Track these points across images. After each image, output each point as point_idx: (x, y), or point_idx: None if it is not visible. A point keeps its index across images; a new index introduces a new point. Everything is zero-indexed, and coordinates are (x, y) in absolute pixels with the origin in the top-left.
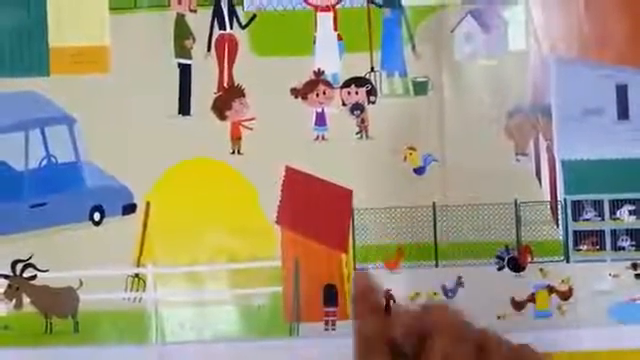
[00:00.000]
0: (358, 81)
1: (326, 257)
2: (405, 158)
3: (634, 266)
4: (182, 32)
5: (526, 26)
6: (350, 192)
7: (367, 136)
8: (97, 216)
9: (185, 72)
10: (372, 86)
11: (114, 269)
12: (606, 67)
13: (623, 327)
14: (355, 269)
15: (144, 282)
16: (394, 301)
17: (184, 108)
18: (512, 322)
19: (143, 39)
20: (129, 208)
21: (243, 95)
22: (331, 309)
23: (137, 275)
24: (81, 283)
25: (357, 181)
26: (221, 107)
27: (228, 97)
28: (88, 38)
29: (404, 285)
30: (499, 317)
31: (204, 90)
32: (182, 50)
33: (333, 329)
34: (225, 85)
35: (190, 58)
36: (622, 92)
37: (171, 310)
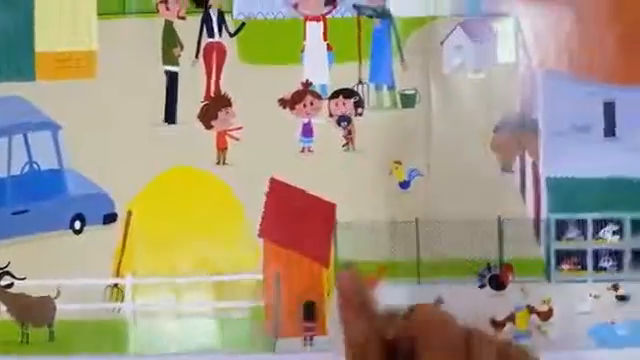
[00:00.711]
0: (346, 92)
1: (307, 272)
2: (391, 172)
3: (615, 287)
4: (170, 39)
5: (515, 39)
6: (334, 206)
7: (353, 148)
8: (78, 224)
9: (172, 80)
10: (360, 98)
11: (93, 278)
12: (594, 84)
13: (603, 349)
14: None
15: (123, 292)
16: None
17: (170, 116)
18: None
19: (131, 45)
20: (110, 217)
21: (230, 104)
22: (310, 324)
23: (116, 285)
24: (59, 292)
25: (341, 194)
26: (207, 116)
27: (215, 106)
28: (75, 43)
29: (385, 301)
30: None
31: (191, 98)
32: (170, 57)
33: (311, 344)
34: (212, 94)
35: (177, 65)
36: (610, 109)
37: (150, 321)
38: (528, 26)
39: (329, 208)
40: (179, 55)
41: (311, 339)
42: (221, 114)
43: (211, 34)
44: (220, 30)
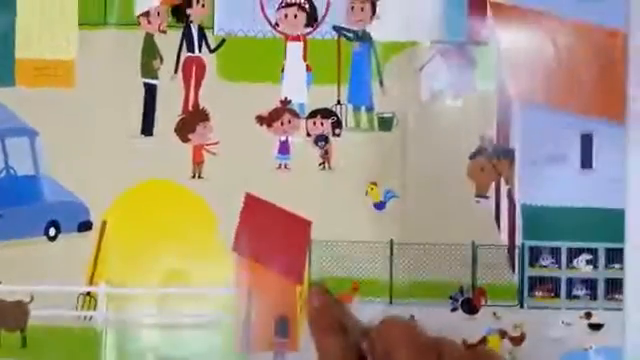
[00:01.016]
0: (324, 112)
1: (280, 288)
2: (366, 192)
3: (587, 315)
4: (150, 52)
5: (495, 68)
6: (309, 223)
7: (330, 167)
8: (52, 231)
9: (150, 92)
10: (338, 118)
11: (66, 286)
12: (572, 115)
13: None
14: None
15: (95, 301)
16: None
17: (147, 128)
18: None
19: (110, 56)
20: (85, 225)
21: (208, 119)
22: (282, 340)
23: (89, 293)
24: (32, 298)
25: (317, 212)
26: (185, 130)
27: (192, 120)
28: (55, 51)
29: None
30: None
31: (168, 112)
32: (149, 70)
33: (282, 359)
34: (190, 108)
35: (156, 78)
36: (587, 141)
37: (121, 331)
38: (507, 55)
39: (304, 225)
40: (158, 68)
41: (282, 355)
42: (199, 128)
43: (191, 49)
44: (200, 45)
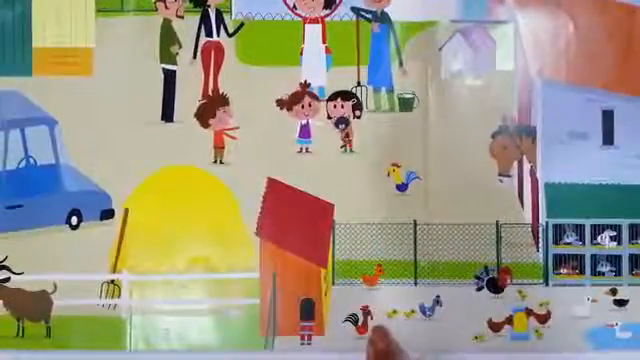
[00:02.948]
0: (344, 95)
1: (305, 271)
2: (388, 174)
3: (613, 292)
4: (168, 38)
5: (514, 46)
6: (332, 206)
7: (351, 150)
8: (74, 220)
9: (169, 78)
10: (358, 100)
11: (89, 274)
12: (593, 91)
13: (600, 353)
14: (334, 283)
15: (119, 289)
16: (372, 317)
17: (167, 115)
18: (489, 343)
19: (128, 43)
20: (107, 214)
21: (227, 104)
22: (308, 323)
23: (112, 281)
24: (55, 287)
25: (339, 195)
26: (205, 115)
27: (212, 105)
28: (72, 39)
29: (382, 302)
30: (476, 338)
31: (188, 97)
32: (167, 56)
33: (309, 344)
34: (210, 93)
35: (175, 64)
36: (608, 117)
37: (146, 318)
38: (527, 33)
39: (327, 208)
40: (177, 53)
41: (309, 338)
42: (219, 113)
43: (209, 33)
44: (218, 30)
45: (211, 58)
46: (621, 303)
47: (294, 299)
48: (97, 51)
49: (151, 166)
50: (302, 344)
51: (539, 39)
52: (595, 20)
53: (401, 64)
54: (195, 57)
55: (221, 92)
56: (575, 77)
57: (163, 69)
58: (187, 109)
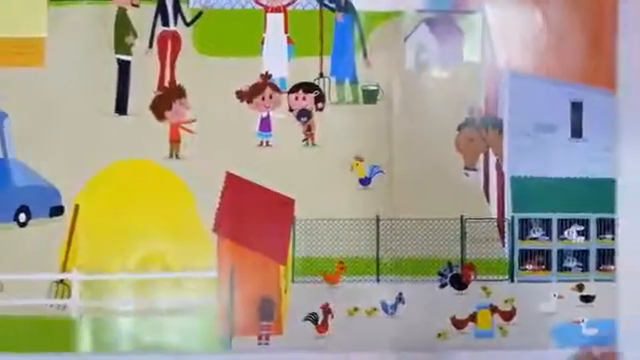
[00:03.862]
0: (306, 87)
1: (264, 268)
2: (351, 168)
3: (579, 287)
4: (123, 27)
5: (482, 37)
6: (292, 201)
7: (313, 144)
8: (22, 217)
9: (124, 69)
10: (321, 92)
11: (38, 274)
12: (562, 83)
13: (566, 349)
14: (294, 281)
15: (69, 288)
16: (332, 316)
17: (121, 107)
18: (452, 341)
19: (82, 33)
20: (57, 210)
21: (184, 96)
22: (266, 323)
23: (62, 281)
24: (2, 287)
25: (300, 190)
26: (160, 107)
27: (168, 97)
28: (24, 29)
29: (343, 300)
30: (439, 335)
31: (143, 89)
32: (122, 46)
33: (267, 344)
34: (166, 84)
35: (130, 54)
36: (577, 109)
37: (97, 319)
38: (495, 24)
39: (288, 204)
40: (132, 44)
41: (267, 338)
42: (175, 105)
43: (166, 23)
44: (175, 19)
45: (167, 48)
46: (588, 299)
47: (252, 298)
48: (49, 41)
49: (104, 160)
50: (260, 344)
51: (507, 30)
52: (564, 11)
53: (365, 55)
54: (151, 47)
55: (178, 83)
56: (543, 69)
57: (118, 59)
58: (142, 101)
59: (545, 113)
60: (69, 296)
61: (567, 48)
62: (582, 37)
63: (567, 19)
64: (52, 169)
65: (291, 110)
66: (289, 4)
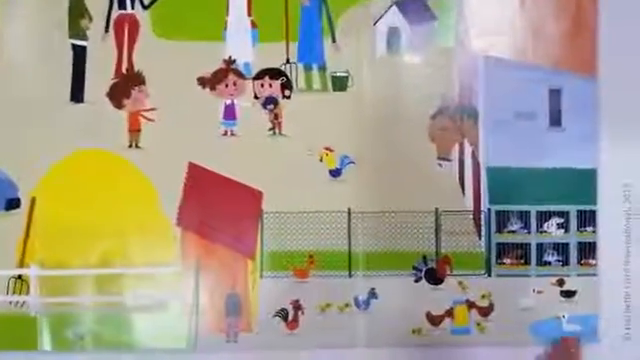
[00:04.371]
0: (272, 73)
1: (230, 263)
2: (321, 159)
3: (560, 282)
4: (77, 10)
5: (455, 21)
6: (260, 193)
7: (280, 133)
8: None
9: (79, 55)
10: (287, 79)
11: None
12: (539, 69)
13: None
14: (262, 276)
15: (27, 284)
16: (302, 312)
17: (77, 95)
18: (428, 337)
19: (33, 17)
20: (13, 203)
21: (143, 82)
22: (234, 319)
23: (20, 277)
24: None
25: (268, 182)
26: (118, 95)
27: (127, 84)
28: None
29: (314, 295)
30: (414, 332)
31: (100, 75)
32: (77, 30)
33: (235, 341)
34: (124, 71)
35: (86, 39)
36: (555, 97)
37: (57, 316)
38: (469, 7)
39: (255, 196)
40: (87, 28)
41: (235, 336)
42: (134, 93)
43: (123, 5)
44: (133, 1)
45: (125, 32)
46: (568, 294)
47: (219, 294)
48: None
49: (60, 151)
50: (228, 342)
51: (482, 13)
52: None
53: (334, 40)
54: (107, 31)
55: (136, 70)
56: (520, 54)
57: (72, 45)
58: (99, 88)
59: (522, 101)
60: (27, 292)
61: (546, 32)
62: (561, 20)
63: (546, 1)
64: (6, 160)
65: (257, 97)
66: None
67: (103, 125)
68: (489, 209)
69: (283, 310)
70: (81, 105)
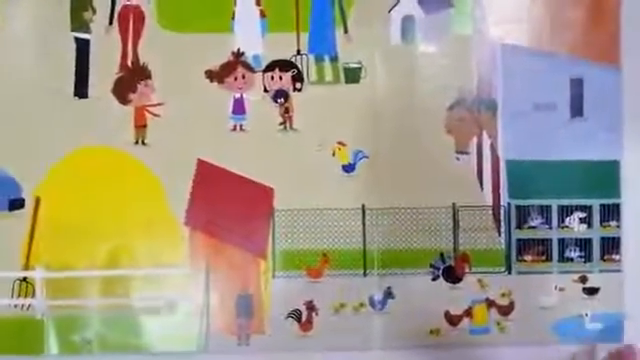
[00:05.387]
0: (282, 65)
1: (241, 263)
2: (333, 154)
3: (582, 279)
4: (80, 2)
5: (472, 9)
6: (271, 190)
7: (291, 127)
8: None
9: (83, 48)
10: (298, 71)
11: None
12: (560, 58)
13: (569, 345)
14: (274, 276)
15: (33, 287)
16: (316, 313)
17: (81, 90)
18: (446, 338)
19: (35, 10)
20: (16, 203)
21: (149, 76)
22: (245, 321)
23: (25, 279)
24: None
25: (279, 178)
26: (124, 90)
27: (132, 78)
28: None
29: (328, 295)
30: (432, 332)
31: (105, 70)
32: (80, 23)
33: (247, 344)
34: (129, 64)
35: (89, 32)
36: (577, 86)
37: (63, 319)
38: None
39: (265, 193)
40: (91, 20)
41: (247, 338)
42: (140, 87)
43: None
44: None
45: (129, 25)
46: (591, 291)
47: (229, 295)
48: (1, 20)
49: (64, 148)
50: (239, 344)
51: (500, 0)
52: None
53: (346, 30)
54: (111, 24)
55: (142, 63)
56: (540, 42)
57: (75, 38)
58: (103, 83)
59: (543, 91)
60: (33, 295)
61: (565, 19)
62: (581, 6)
63: None
64: (9, 159)
65: (266, 91)
66: None
67: (108, 121)
68: (509, 204)
69: (296, 311)
70: (85, 100)
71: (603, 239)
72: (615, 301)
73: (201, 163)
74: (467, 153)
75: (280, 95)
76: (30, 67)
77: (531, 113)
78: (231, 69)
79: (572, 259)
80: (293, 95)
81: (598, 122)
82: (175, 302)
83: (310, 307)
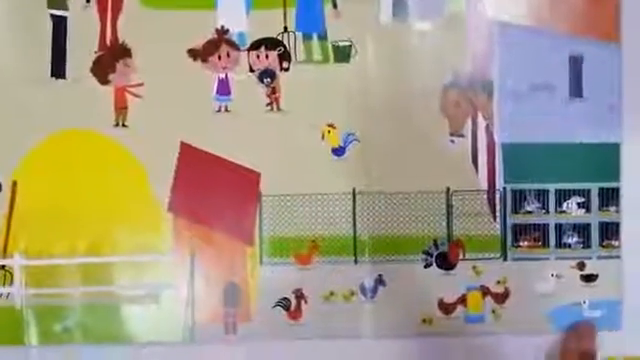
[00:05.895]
0: (269, 43)
1: (227, 250)
2: (323, 136)
3: (580, 266)
4: None
5: None
6: (257, 175)
7: (278, 109)
8: None
9: (59, 26)
10: (285, 49)
11: None
12: (558, 36)
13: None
14: (261, 263)
15: (11, 275)
16: (305, 301)
17: (58, 70)
18: (439, 326)
19: None
20: None
21: (130, 55)
22: (232, 310)
23: (3, 267)
24: None
25: (266, 162)
26: (103, 69)
27: (111, 57)
28: None
29: (317, 283)
30: (425, 321)
31: (82, 49)
32: None
33: (234, 332)
34: (108, 43)
35: (66, 9)
36: (576, 65)
37: (43, 308)
38: None
39: (252, 177)
40: None
41: (234, 327)
42: (120, 66)
43: None
44: None
45: (108, 1)
46: (589, 278)
47: (216, 283)
48: None
49: (41, 131)
50: (226, 333)
51: None
52: None
53: (335, 6)
54: (89, 1)
55: (121, 41)
56: (538, 20)
57: (52, 15)
58: (82, 63)
59: (540, 70)
60: (12, 284)
61: None
62: None
63: None
64: None
65: (252, 70)
66: None
67: (87, 103)
68: (504, 188)
69: (285, 299)
70: (63, 81)
71: (602, 224)
72: (614, 288)
73: (185, 146)
74: (462, 135)
75: (266, 75)
76: (4, 46)
77: (528, 93)
78: (215, 47)
79: (570, 245)
80: (280, 75)
81: (598, 103)
82: (159, 290)
83: (299, 295)
